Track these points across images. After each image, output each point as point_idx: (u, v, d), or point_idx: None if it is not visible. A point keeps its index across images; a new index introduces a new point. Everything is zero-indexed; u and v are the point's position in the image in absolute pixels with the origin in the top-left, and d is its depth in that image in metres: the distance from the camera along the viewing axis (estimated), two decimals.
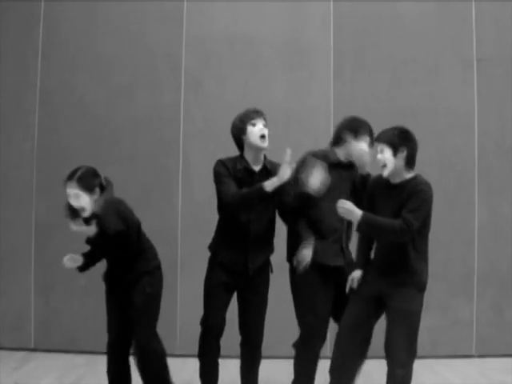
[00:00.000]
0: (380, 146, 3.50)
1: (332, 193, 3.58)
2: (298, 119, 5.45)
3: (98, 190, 3.51)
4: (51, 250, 5.15)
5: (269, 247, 3.85)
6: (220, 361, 3.83)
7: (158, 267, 3.75)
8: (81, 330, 5.34)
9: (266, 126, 3.72)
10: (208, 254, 3.85)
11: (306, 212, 3.68)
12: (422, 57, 5.50)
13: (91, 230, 3.48)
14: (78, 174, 3.49)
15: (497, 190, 5.46)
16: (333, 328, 3.77)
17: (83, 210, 3.48)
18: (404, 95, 5.47)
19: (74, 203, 3.47)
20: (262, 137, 3.69)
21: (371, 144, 3.69)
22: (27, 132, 5.44)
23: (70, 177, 3.48)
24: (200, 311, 3.79)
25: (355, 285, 3.63)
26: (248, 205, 3.62)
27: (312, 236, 3.67)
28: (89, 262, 3.66)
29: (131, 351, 3.71)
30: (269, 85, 5.46)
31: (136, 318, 3.59)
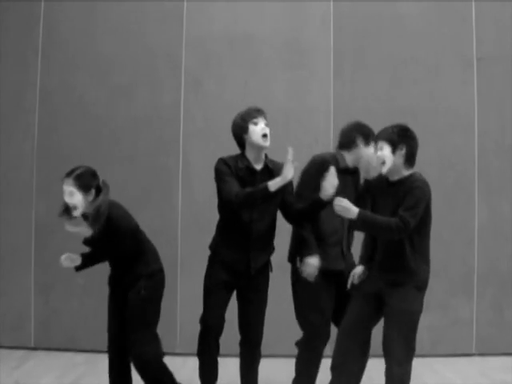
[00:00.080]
0: (380, 144, 3.52)
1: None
2: (298, 119, 5.45)
3: (93, 191, 3.51)
4: (51, 250, 5.14)
5: (270, 247, 3.85)
6: (219, 359, 3.82)
7: (159, 270, 3.72)
8: (80, 330, 5.34)
9: (267, 124, 3.72)
10: (208, 253, 3.85)
11: (316, 217, 3.70)
12: (422, 56, 5.50)
13: (86, 231, 3.49)
14: (77, 172, 3.51)
15: (497, 190, 5.46)
16: (334, 327, 3.78)
17: (75, 208, 3.49)
18: (404, 95, 5.47)
19: (68, 200, 3.49)
20: (264, 136, 3.68)
21: (376, 149, 3.70)
22: (27, 131, 5.44)
23: (68, 174, 3.51)
24: (200, 310, 3.79)
25: (356, 281, 3.64)
26: (251, 204, 3.61)
27: (316, 245, 3.69)
28: (86, 262, 3.66)
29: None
30: (269, 84, 5.47)
31: (129, 321, 3.59)
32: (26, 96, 5.45)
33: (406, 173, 3.49)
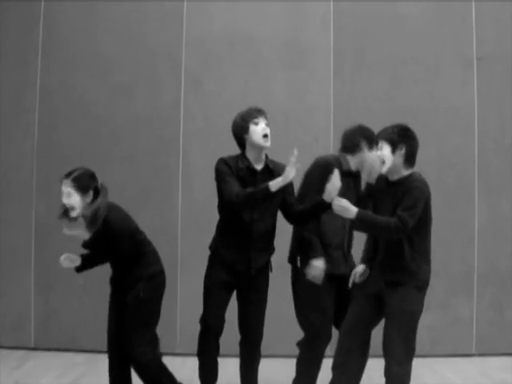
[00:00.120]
0: (380, 143, 3.52)
1: None
2: (298, 119, 5.45)
3: (91, 192, 3.51)
4: (51, 250, 5.13)
5: (270, 247, 3.84)
6: (219, 359, 3.82)
7: (160, 272, 3.71)
8: (80, 330, 5.34)
9: (268, 125, 3.71)
10: (208, 253, 3.85)
11: (319, 219, 3.70)
12: (422, 56, 5.50)
13: (83, 234, 3.50)
14: (75, 173, 3.51)
15: (497, 189, 5.46)
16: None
17: (73, 208, 3.50)
18: (404, 95, 5.47)
19: (65, 201, 3.49)
20: (265, 136, 3.67)
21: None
22: (27, 131, 5.44)
23: (67, 175, 3.51)
24: (200, 310, 3.79)
25: (358, 280, 3.65)
26: (252, 204, 3.60)
27: (321, 248, 3.69)
28: (86, 263, 3.66)
29: None
30: (269, 84, 5.47)
31: (128, 323, 3.58)
32: (26, 96, 5.45)
33: (405, 173, 3.49)
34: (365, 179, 3.90)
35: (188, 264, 5.29)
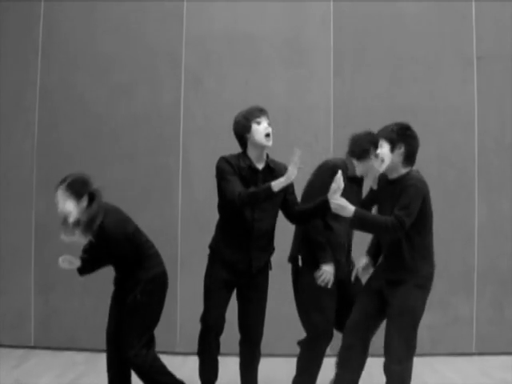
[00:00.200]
0: (380, 142, 3.52)
1: None
2: (298, 117, 5.45)
3: (86, 197, 3.50)
4: (51, 250, 5.10)
5: (271, 246, 3.84)
6: (220, 358, 3.83)
7: (162, 274, 3.69)
8: (80, 329, 5.34)
9: (270, 124, 3.70)
10: (208, 252, 3.85)
11: (322, 220, 3.71)
12: (422, 55, 5.50)
13: (81, 239, 3.50)
14: (68, 180, 3.51)
15: (497, 188, 5.46)
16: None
17: (69, 215, 3.50)
18: (404, 93, 5.47)
19: (61, 208, 3.50)
20: (267, 135, 3.67)
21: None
22: (27, 130, 5.44)
23: (61, 182, 3.52)
24: (200, 309, 3.79)
25: (360, 274, 3.70)
26: (254, 204, 3.60)
27: (331, 253, 3.71)
28: (86, 266, 3.65)
29: None
30: (269, 83, 5.47)
31: (125, 324, 3.59)
32: (26, 95, 5.45)
33: (403, 171, 3.49)
34: (369, 185, 3.92)
35: (188, 263, 5.29)
